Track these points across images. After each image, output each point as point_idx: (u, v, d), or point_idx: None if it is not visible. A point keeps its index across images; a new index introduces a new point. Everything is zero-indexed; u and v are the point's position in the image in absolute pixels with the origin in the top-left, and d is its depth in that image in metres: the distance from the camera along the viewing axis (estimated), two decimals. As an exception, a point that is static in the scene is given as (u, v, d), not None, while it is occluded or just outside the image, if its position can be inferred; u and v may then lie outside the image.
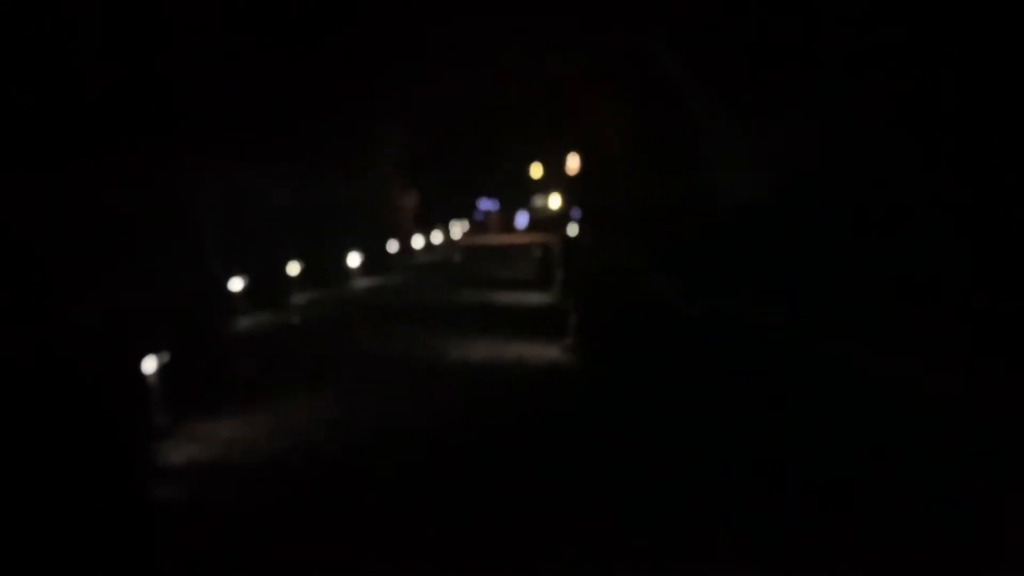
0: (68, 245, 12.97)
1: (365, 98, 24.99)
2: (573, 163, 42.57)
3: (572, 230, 36.97)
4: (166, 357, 7.86)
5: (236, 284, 16.13)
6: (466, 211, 45.08)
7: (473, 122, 37.68)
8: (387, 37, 23.50)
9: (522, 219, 46.99)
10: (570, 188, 42.98)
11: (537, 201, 48.50)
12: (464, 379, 10.00)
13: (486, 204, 47.59)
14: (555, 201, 47.89)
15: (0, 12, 12.01)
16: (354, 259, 21.97)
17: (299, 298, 18.23)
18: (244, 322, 14.82)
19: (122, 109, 15.40)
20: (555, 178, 46.64)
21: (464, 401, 8.96)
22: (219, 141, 18.14)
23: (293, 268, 19.33)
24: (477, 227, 45.51)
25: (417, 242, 30.57)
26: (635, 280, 15.97)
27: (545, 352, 11.30)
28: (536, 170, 48.05)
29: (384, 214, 29.33)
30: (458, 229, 40.57)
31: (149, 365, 7.73)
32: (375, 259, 23.86)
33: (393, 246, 27.40)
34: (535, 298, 17.15)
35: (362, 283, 21.00)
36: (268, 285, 17.99)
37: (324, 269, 20.95)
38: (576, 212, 40.64)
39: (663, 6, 17.01)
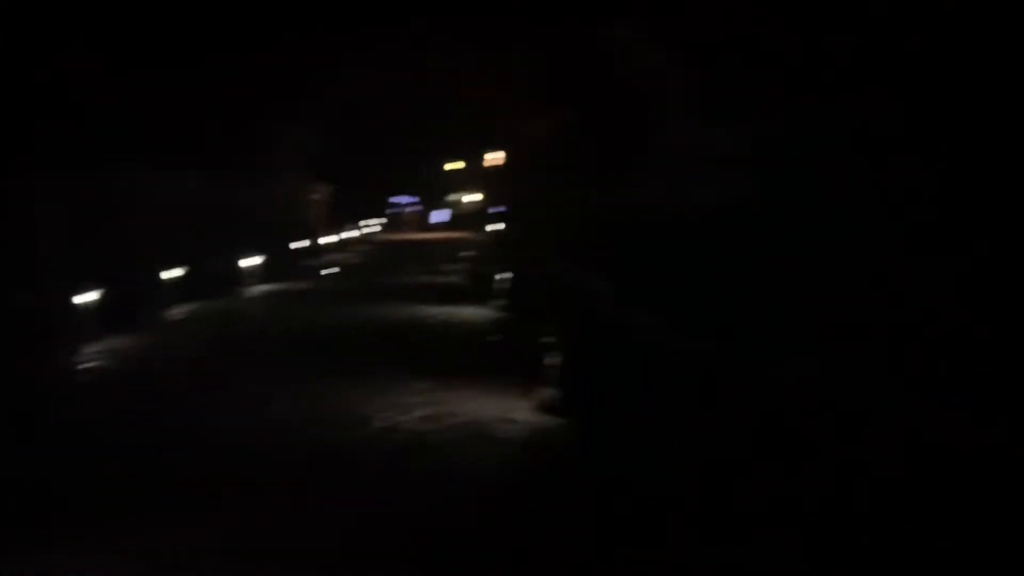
0: None
1: (270, 91, 20.47)
2: (495, 158, 38.53)
3: (495, 228, 33.02)
4: None
5: (85, 298, 11.52)
6: (382, 208, 40.52)
7: (390, 116, 33.21)
8: (301, 29, 19.21)
9: (440, 215, 42.71)
10: (491, 185, 38.93)
11: (455, 197, 44.30)
12: (392, 480, 5.76)
13: (403, 200, 43.08)
14: (474, 198, 43.81)
15: None
16: (250, 262, 17.41)
17: (177, 312, 13.65)
18: (88, 350, 10.24)
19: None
20: (474, 174, 42.55)
21: (387, 544, 4.72)
22: (85, 131, 13.52)
23: (171, 275, 14.72)
24: (394, 224, 40.95)
25: (329, 239, 26.01)
26: (590, 298, 12.01)
27: (512, 409, 7.16)
28: (454, 165, 43.82)
29: (290, 211, 24.69)
30: (373, 225, 36.01)
31: None
32: (277, 261, 19.30)
33: (301, 244, 22.84)
34: (472, 313, 12.99)
35: (259, 290, 16.48)
36: (135, 298, 13.38)
37: (213, 275, 16.35)
38: (497, 209, 36.63)
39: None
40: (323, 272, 20.20)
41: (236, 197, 20.00)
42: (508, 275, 14.15)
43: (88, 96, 13.95)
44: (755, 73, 11.20)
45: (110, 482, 5.62)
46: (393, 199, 42.28)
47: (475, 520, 4.96)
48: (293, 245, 22.32)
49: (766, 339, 6.67)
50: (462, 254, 21.73)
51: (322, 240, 25.47)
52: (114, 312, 11.89)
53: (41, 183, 12.71)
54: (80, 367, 9.52)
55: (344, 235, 28.87)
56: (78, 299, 11.46)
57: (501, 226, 31.68)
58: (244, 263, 17.32)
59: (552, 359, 7.38)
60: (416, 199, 43.32)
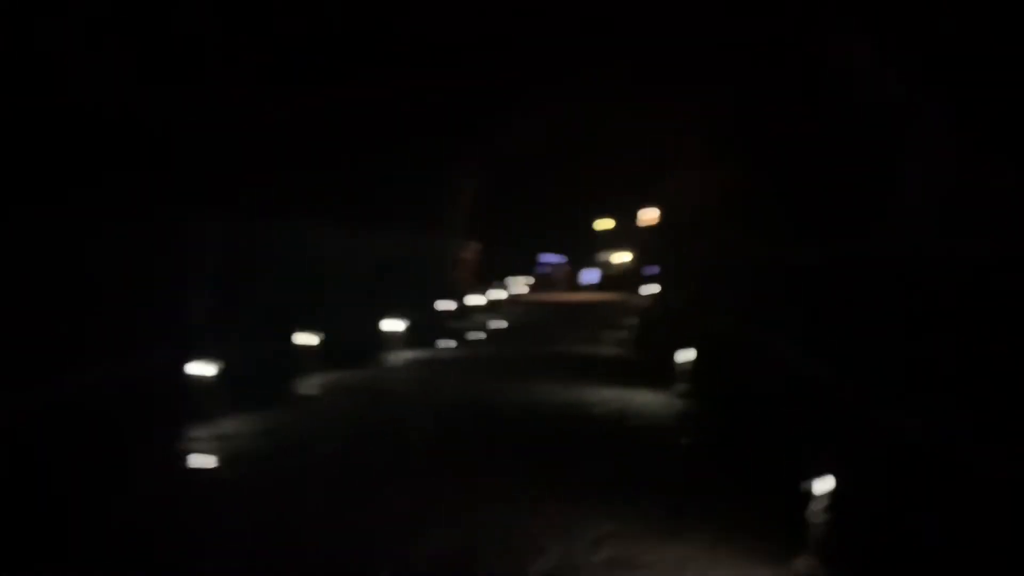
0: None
1: (424, 138, 19.00)
2: (650, 215, 36.09)
3: (648, 289, 30.51)
4: None
5: (202, 367, 9.89)
6: (529, 267, 38.58)
7: (537, 172, 31.44)
8: (448, 78, 17.77)
9: (591, 275, 40.41)
10: (645, 243, 36.42)
11: (605, 257, 41.99)
12: None
13: (551, 259, 41.02)
14: (624, 257, 41.38)
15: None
16: (395, 326, 15.64)
17: (311, 384, 11.89)
18: (199, 435, 8.44)
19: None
20: (625, 233, 40.19)
21: None
22: (215, 183, 12.20)
23: (307, 340, 13.07)
24: (542, 283, 38.89)
25: (477, 301, 24.19)
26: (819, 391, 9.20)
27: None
28: (604, 224, 41.63)
29: (439, 270, 23.06)
30: (521, 285, 34.10)
31: None
32: (424, 324, 17.52)
33: (448, 306, 21.08)
34: (648, 401, 10.50)
35: (403, 357, 14.60)
36: (263, 367, 11.76)
37: (354, 340, 14.66)
38: (652, 269, 34.07)
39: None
40: (471, 338, 18.23)
41: (385, 253, 18.48)
42: (690, 351, 11.65)
43: (230, 134, 12.63)
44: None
45: None
46: (542, 258, 40.38)
47: None
48: (440, 306, 20.59)
49: None
50: (625, 322, 19.30)
51: (469, 301, 23.67)
52: (237, 384, 10.22)
53: (169, 227, 11.32)
54: (184, 459, 7.69)
55: (492, 295, 27.04)
56: (193, 368, 9.84)
57: (656, 288, 29.14)
58: (388, 327, 15.56)
59: (813, 503, 4.83)
60: (564, 258, 41.29)
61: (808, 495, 4.90)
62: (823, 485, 4.81)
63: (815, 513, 4.76)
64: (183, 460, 7.54)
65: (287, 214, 14.36)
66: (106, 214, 9.97)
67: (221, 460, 7.58)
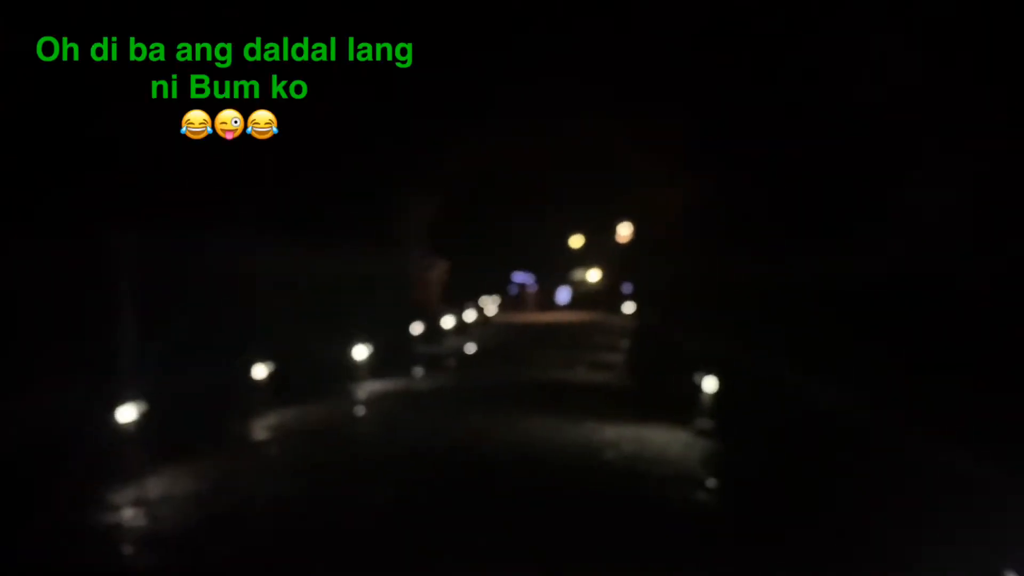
0: None
1: (392, 158, 17.35)
2: (624, 231, 34.65)
3: (629, 308, 29.03)
4: None
5: (127, 410, 8.03)
6: (500, 286, 36.74)
7: (507, 188, 29.80)
8: (415, 92, 16.16)
9: (564, 294, 38.77)
10: (620, 261, 34.90)
11: (578, 275, 40.40)
12: None
13: (520, 277, 39.23)
14: (595, 275, 39.89)
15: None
16: (358, 353, 13.80)
17: (260, 425, 10.01)
18: (117, 494, 6.56)
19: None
20: (598, 250, 38.67)
21: None
22: (141, 195, 10.26)
23: (261, 370, 11.22)
24: (514, 303, 37.07)
25: (447, 322, 22.37)
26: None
27: None
28: (577, 240, 40.07)
29: (405, 289, 21.22)
30: (490, 305, 32.36)
31: None
32: (392, 349, 15.68)
33: (417, 328, 19.25)
34: (665, 441, 8.77)
35: (370, 388, 12.77)
36: (206, 404, 9.84)
37: (312, 370, 12.79)
38: (627, 287, 32.59)
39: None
40: (443, 364, 16.44)
41: (350, 273, 16.63)
42: (703, 379, 10.00)
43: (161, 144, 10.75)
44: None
45: None
46: (514, 276, 38.59)
47: None
48: (410, 329, 18.77)
49: None
50: (606, 343, 17.64)
51: (440, 322, 21.86)
52: (169, 427, 8.34)
53: (87, 244, 9.41)
54: (85, 536, 5.81)
55: (463, 316, 25.25)
56: (120, 411, 7.97)
57: (633, 306, 27.67)
58: (353, 353, 13.72)
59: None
60: (534, 276, 39.60)
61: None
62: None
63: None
64: (83, 539, 5.67)
65: (230, 230, 12.47)
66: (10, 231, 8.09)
67: (132, 540, 5.71)
